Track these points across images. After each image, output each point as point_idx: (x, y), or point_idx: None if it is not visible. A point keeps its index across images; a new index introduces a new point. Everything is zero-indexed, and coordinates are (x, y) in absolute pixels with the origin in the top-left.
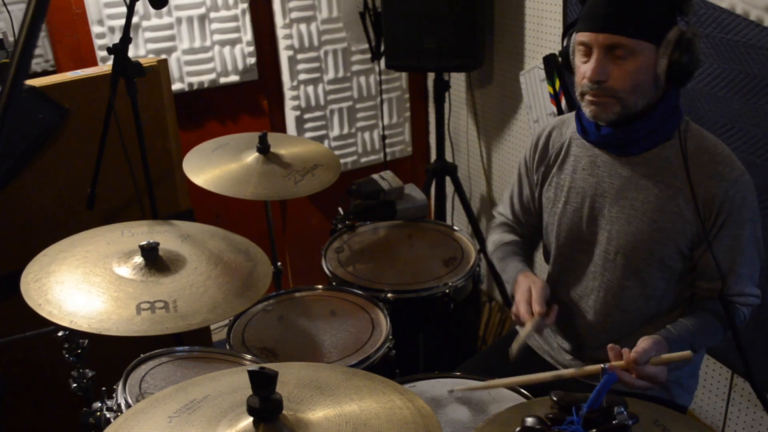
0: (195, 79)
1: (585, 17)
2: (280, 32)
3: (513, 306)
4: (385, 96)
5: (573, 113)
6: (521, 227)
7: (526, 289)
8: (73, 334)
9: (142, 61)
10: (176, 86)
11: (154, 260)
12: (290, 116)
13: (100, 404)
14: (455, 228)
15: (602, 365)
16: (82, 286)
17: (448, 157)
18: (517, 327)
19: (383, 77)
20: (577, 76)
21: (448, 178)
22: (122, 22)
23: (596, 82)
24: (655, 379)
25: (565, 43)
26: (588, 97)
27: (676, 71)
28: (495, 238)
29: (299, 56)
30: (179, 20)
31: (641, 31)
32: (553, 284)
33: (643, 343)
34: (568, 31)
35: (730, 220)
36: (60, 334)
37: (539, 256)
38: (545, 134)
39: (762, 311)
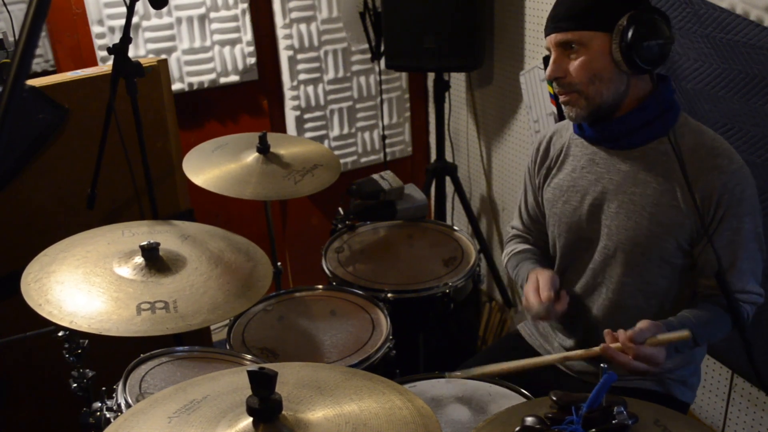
0: (195, 79)
1: (545, 25)
2: (280, 32)
3: (523, 299)
4: (385, 96)
5: None
6: (533, 236)
7: (534, 279)
8: (73, 335)
9: (142, 61)
10: (176, 86)
11: (155, 260)
12: (290, 116)
13: (100, 404)
14: (455, 228)
15: (602, 365)
16: (82, 286)
17: (448, 157)
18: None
19: (383, 77)
20: None
21: (448, 178)
22: (122, 22)
23: (554, 79)
24: (652, 360)
25: None
26: (561, 98)
27: (629, 55)
28: (507, 249)
29: (299, 56)
30: (179, 20)
31: (586, 23)
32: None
33: (641, 323)
34: None
35: (729, 213)
36: (60, 334)
37: None
38: (546, 139)
39: (762, 309)
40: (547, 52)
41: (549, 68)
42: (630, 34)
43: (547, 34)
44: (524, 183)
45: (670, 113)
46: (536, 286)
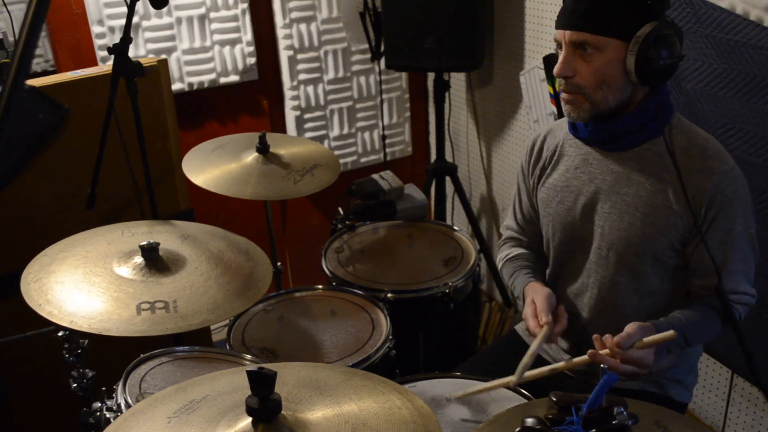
0: (195, 79)
1: (558, 15)
2: (280, 32)
3: (523, 323)
4: (385, 96)
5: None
6: (527, 237)
7: (530, 301)
8: (74, 334)
9: (142, 61)
10: (176, 86)
11: (155, 260)
12: (290, 116)
13: (100, 404)
14: (455, 228)
15: (602, 365)
16: (82, 286)
17: (448, 157)
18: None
19: (383, 77)
20: None
21: (448, 178)
22: (122, 22)
23: (563, 77)
24: (640, 363)
25: None
26: (563, 95)
27: (643, 68)
28: (502, 254)
29: (299, 56)
30: (179, 20)
31: (607, 28)
32: (552, 284)
33: (629, 328)
34: None
35: (721, 214)
36: (60, 334)
37: None
38: (540, 139)
39: (762, 310)
40: (547, 51)
41: (558, 65)
42: (647, 48)
43: (559, 27)
44: (518, 183)
45: (663, 114)
46: (533, 310)
